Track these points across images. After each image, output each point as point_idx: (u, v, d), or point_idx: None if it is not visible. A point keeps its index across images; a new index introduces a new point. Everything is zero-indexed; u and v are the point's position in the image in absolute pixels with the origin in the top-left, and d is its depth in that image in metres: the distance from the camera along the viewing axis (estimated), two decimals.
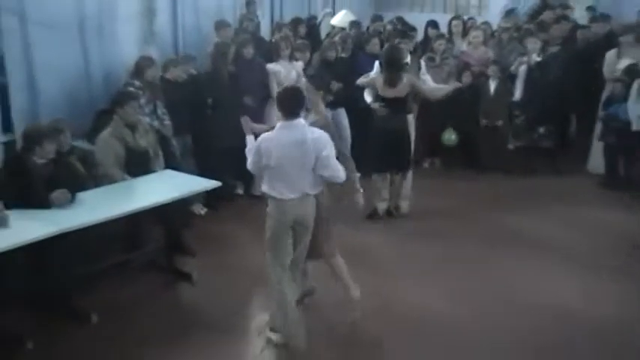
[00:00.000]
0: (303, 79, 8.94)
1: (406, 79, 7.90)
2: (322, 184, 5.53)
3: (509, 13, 12.47)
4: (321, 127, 5.53)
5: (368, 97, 8.12)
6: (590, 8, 11.62)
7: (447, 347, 5.64)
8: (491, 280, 6.87)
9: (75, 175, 6.31)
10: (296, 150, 5.23)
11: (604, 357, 5.54)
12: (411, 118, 8.45)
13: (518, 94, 10.05)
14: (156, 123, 7.55)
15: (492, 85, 10.10)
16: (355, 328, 5.86)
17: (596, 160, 10.09)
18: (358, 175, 6.09)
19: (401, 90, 7.87)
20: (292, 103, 5.38)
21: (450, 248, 7.62)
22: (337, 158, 5.33)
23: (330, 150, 5.28)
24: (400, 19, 11.81)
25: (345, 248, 6.03)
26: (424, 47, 10.84)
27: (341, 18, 11.58)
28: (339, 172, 5.33)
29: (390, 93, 7.90)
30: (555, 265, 7.18)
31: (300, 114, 5.39)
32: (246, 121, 6.01)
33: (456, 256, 7.43)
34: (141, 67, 7.66)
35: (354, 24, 11.29)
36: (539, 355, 5.55)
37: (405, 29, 10.43)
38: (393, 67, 7.87)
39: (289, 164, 5.26)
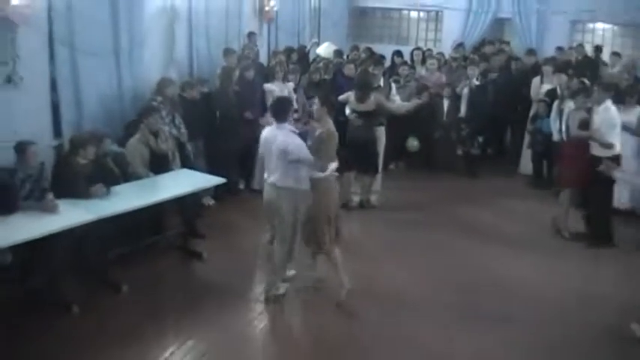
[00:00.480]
0: (294, 96, 9.03)
1: (373, 97, 7.91)
2: (299, 181, 5.59)
3: (459, 46, 12.58)
4: (326, 137, 5.69)
5: (347, 111, 8.15)
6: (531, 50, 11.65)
7: (423, 317, 5.71)
8: (460, 260, 6.97)
9: (110, 173, 6.30)
10: (271, 143, 5.57)
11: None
12: (382, 130, 8.47)
13: (463, 110, 10.10)
14: (174, 131, 7.51)
15: (445, 104, 10.15)
16: (343, 305, 5.81)
17: (526, 165, 10.16)
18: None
19: (369, 105, 7.89)
20: (278, 110, 5.66)
21: (420, 235, 7.67)
22: None
23: (295, 147, 5.47)
24: (369, 49, 11.89)
25: None
26: (391, 72, 10.89)
27: (325, 49, 11.60)
28: (303, 156, 5.48)
29: (360, 107, 7.93)
30: (507, 248, 7.32)
31: (285, 119, 5.63)
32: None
33: (426, 241, 7.49)
34: (162, 85, 7.63)
35: (337, 52, 11.33)
36: (505, 322, 5.63)
37: (375, 57, 10.48)
38: (362, 87, 7.93)
39: (268, 154, 5.63)
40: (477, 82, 10.14)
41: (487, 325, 5.57)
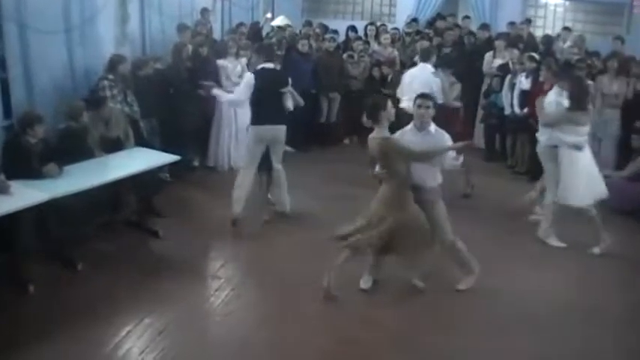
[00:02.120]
0: (247, 72, 9.07)
1: None
2: None
3: (412, 21, 12.71)
4: None
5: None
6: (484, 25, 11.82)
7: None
8: None
9: (62, 152, 6.28)
10: None
11: None
12: None
13: None
14: (127, 109, 7.50)
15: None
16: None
17: (479, 138, 10.34)
18: None
19: None
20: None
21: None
22: None
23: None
24: (322, 25, 12.05)
25: None
26: (345, 47, 11.02)
27: (279, 21, 11.71)
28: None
29: None
30: (474, 222, 7.21)
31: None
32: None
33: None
34: (114, 62, 7.58)
35: (289, 27, 11.40)
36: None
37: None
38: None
39: None
40: None
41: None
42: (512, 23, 11.82)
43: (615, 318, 5.54)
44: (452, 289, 5.79)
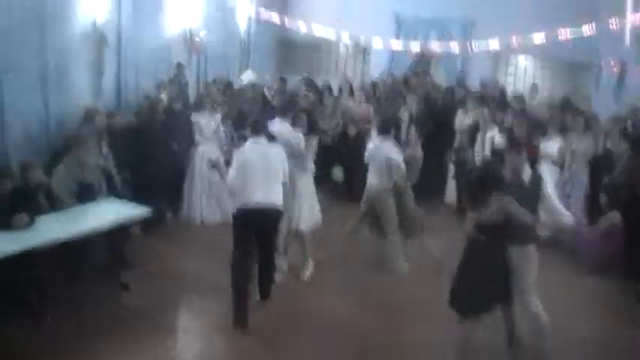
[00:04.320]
0: (222, 127, 9.25)
1: None
2: None
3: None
4: None
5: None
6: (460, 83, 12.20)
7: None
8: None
9: (35, 202, 6.35)
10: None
11: None
12: None
13: None
14: (101, 161, 7.61)
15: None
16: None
17: (451, 195, 10.48)
18: None
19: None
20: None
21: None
22: None
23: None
24: (309, 80, 12.54)
25: None
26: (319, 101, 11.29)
27: (246, 76, 12.03)
28: None
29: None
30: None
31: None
32: None
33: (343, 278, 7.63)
34: (89, 115, 7.75)
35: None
36: None
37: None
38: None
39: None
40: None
41: None
42: (484, 84, 12.13)
43: None
44: None
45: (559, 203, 5.80)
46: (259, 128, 6.46)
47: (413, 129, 8.27)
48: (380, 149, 7.62)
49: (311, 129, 7.43)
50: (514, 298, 5.51)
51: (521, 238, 5.36)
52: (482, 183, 5.33)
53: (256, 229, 6.21)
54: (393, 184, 7.58)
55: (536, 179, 5.63)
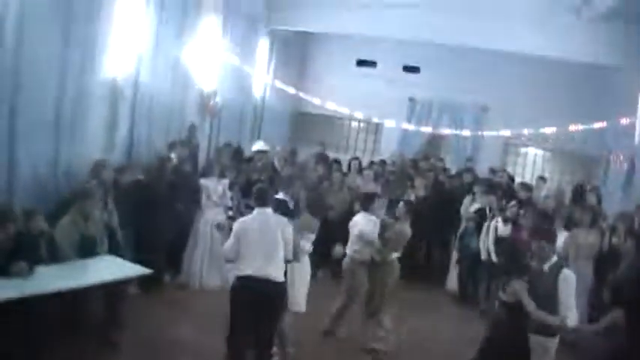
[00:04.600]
0: (229, 193, 9.27)
1: None
2: None
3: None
4: None
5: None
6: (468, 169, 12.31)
7: None
8: None
9: (36, 252, 6.29)
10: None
11: None
12: None
13: None
14: (105, 216, 7.57)
15: None
16: None
17: (453, 281, 10.41)
18: None
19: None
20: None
21: None
22: None
23: None
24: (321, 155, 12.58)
25: None
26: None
27: (257, 146, 12.00)
28: None
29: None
30: None
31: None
32: None
33: None
34: (98, 168, 7.78)
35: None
36: None
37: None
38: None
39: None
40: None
41: None
42: (493, 171, 12.21)
43: None
44: None
45: (572, 298, 5.68)
46: (263, 198, 6.36)
47: (402, 205, 8.21)
48: (356, 223, 7.78)
49: (312, 210, 7.26)
50: None
51: (535, 327, 5.39)
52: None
53: (253, 308, 5.95)
54: (365, 257, 7.66)
55: (556, 268, 5.64)
